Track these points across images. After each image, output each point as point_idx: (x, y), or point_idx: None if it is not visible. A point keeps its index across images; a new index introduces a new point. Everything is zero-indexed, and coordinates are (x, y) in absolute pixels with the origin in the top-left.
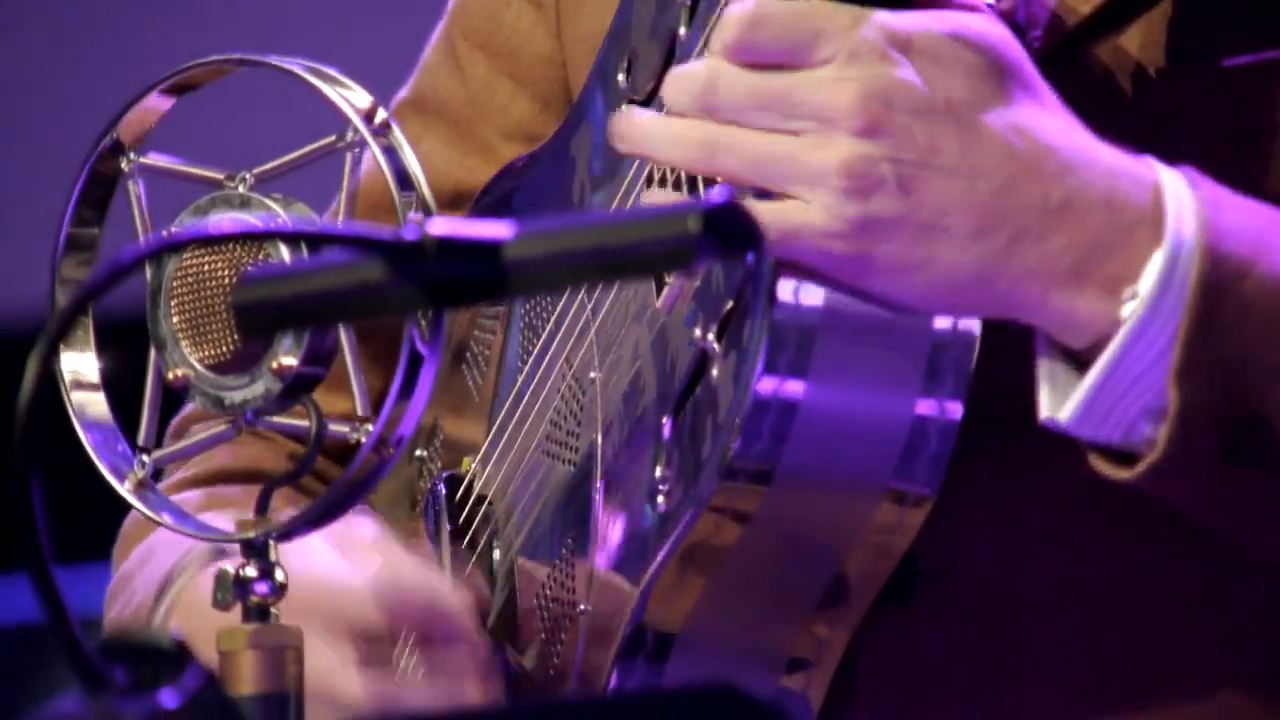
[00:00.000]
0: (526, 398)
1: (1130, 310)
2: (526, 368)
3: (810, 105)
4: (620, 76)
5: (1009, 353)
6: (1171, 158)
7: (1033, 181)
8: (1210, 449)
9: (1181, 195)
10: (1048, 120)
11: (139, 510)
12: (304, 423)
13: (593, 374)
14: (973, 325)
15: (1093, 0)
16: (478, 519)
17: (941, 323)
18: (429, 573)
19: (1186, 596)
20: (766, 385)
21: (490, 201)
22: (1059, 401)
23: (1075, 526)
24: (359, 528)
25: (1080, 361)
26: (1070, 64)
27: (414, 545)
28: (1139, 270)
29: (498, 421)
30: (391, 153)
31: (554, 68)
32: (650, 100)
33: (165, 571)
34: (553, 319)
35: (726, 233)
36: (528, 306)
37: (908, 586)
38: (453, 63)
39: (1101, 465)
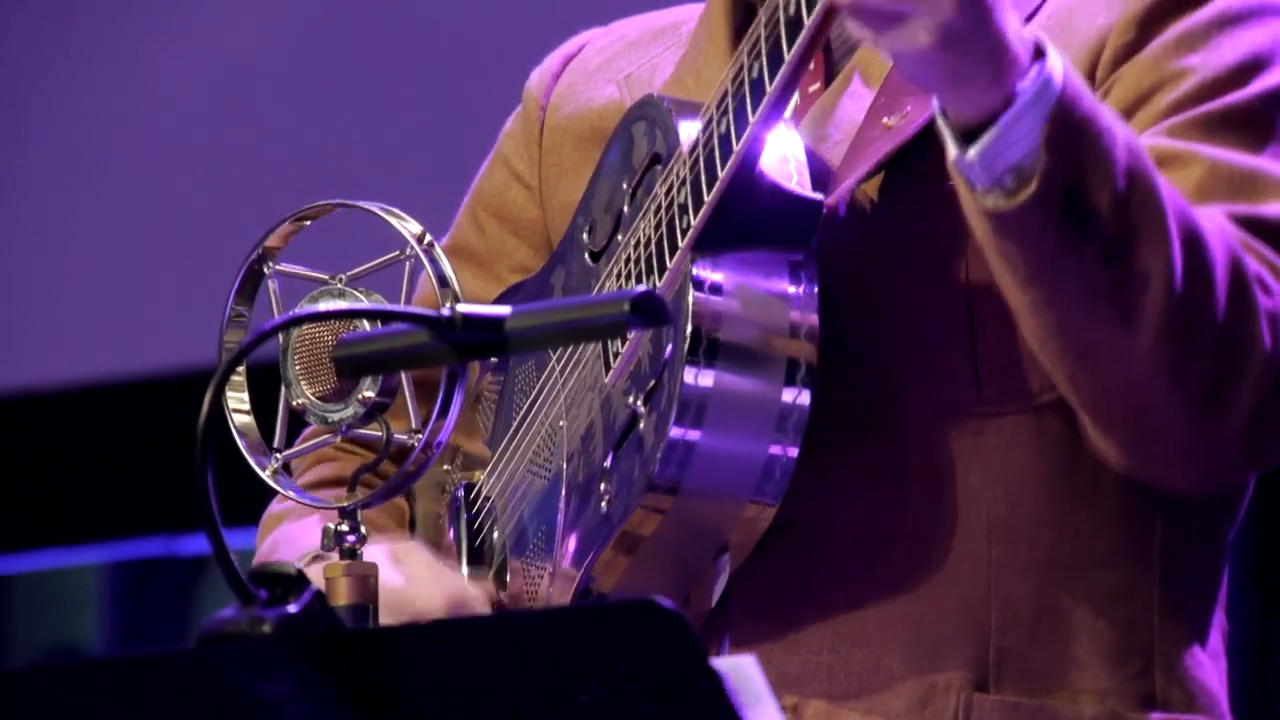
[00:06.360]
0: (520, 434)
1: (1021, 95)
2: (519, 415)
3: None
4: (585, 235)
5: (825, 391)
6: (930, 249)
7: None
8: (1057, 198)
9: (1050, 47)
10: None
11: (274, 488)
12: (378, 433)
13: (561, 422)
14: (805, 401)
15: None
16: (484, 511)
17: (787, 396)
18: (458, 577)
19: (947, 529)
20: (676, 432)
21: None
22: (964, 150)
23: (868, 486)
24: (413, 551)
25: (966, 133)
26: (848, 203)
27: (445, 555)
28: (1025, 76)
29: (499, 449)
30: (435, 262)
31: (540, 226)
32: (604, 252)
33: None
34: (537, 385)
35: (646, 311)
36: (520, 375)
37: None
38: (475, 225)
39: (991, 200)
